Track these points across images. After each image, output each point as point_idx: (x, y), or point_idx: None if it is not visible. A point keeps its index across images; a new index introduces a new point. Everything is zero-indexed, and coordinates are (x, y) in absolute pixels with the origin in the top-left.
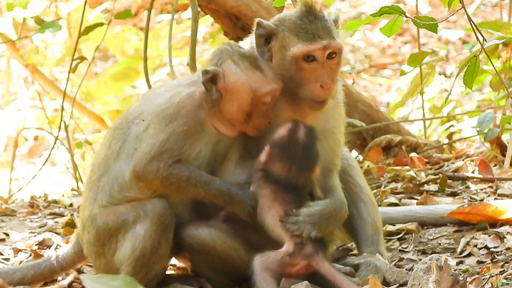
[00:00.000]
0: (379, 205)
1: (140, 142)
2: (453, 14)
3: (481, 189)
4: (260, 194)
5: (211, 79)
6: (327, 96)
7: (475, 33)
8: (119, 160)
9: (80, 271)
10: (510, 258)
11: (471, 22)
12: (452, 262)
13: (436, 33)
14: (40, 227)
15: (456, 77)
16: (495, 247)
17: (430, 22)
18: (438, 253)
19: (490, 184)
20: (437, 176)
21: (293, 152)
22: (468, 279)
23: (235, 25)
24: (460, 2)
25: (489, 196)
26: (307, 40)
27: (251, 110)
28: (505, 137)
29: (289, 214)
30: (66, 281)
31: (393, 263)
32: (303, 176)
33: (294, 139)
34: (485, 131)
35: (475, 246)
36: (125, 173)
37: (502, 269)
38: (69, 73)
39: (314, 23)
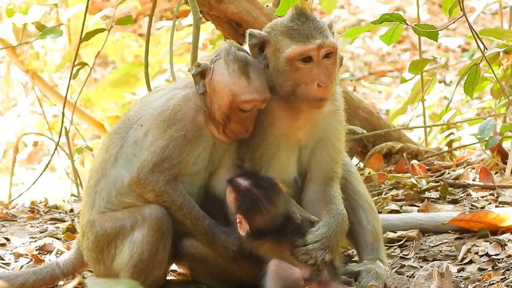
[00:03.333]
0: (380, 212)
1: (139, 148)
2: (454, 22)
3: (482, 197)
4: (261, 250)
5: (201, 74)
6: (325, 95)
7: (476, 41)
8: (117, 164)
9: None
10: (511, 266)
11: (472, 30)
12: (453, 269)
13: (437, 41)
14: (41, 232)
15: (457, 85)
16: (496, 255)
17: (431, 30)
18: (439, 260)
19: (491, 191)
20: (438, 184)
21: (253, 198)
22: (470, 286)
23: (236, 31)
24: (461, 10)
25: (490, 203)
26: (300, 41)
27: (229, 114)
28: (506, 145)
29: (297, 245)
30: (71, 285)
31: (394, 270)
32: (279, 201)
33: (243, 191)
34: (486, 138)
35: (476, 253)
36: (124, 178)
37: (503, 276)
38: (70, 79)
39: (306, 24)
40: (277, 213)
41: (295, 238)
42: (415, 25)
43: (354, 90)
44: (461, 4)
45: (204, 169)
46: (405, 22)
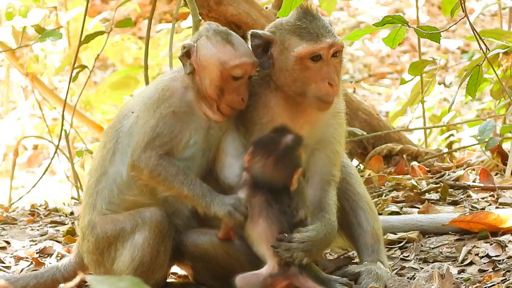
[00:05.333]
0: (380, 214)
1: (132, 136)
2: (456, 24)
3: (482, 198)
4: (250, 204)
5: (187, 54)
6: (335, 94)
7: (478, 42)
8: (115, 160)
9: None
10: (511, 267)
11: (474, 31)
12: (454, 270)
13: (439, 42)
14: (41, 235)
15: (459, 86)
16: (496, 256)
17: (433, 32)
18: (439, 261)
19: (491, 193)
20: (438, 185)
21: (272, 147)
22: None
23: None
24: (463, 11)
25: (490, 204)
26: (311, 40)
27: (222, 85)
28: (506, 146)
29: (281, 239)
30: (73, 283)
31: (395, 271)
32: (279, 175)
33: (277, 138)
34: (486, 140)
35: (477, 254)
36: (122, 173)
37: (504, 277)
38: (69, 82)
39: (314, 23)
40: (270, 177)
41: (277, 224)
42: (417, 27)
43: (354, 92)
44: (462, 5)
45: (201, 155)
46: (407, 24)
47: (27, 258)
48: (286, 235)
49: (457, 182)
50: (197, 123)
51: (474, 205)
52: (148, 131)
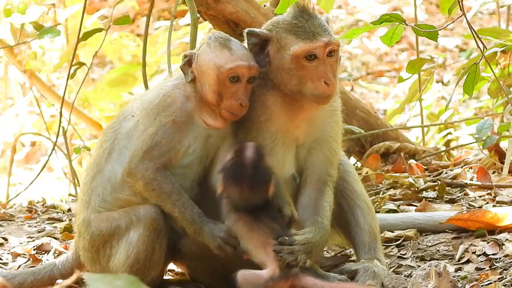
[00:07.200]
0: (378, 212)
1: (130, 140)
2: (453, 22)
3: (480, 196)
4: (236, 228)
5: (188, 62)
6: (332, 92)
7: (475, 40)
8: (111, 159)
9: None
10: (508, 265)
11: (472, 29)
12: (451, 268)
13: (436, 41)
14: (39, 232)
15: (456, 85)
16: (493, 254)
17: (431, 30)
18: (436, 259)
19: (489, 191)
20: (435, 183)
21: (241, 172)
22: (467, 286)
23: (234, 31)
24: (461, 10)
25: (487, 203)
26: (307, 39)
27: (220, 89)
28: (503, 144)
29: (282, 242)
30: (69, 281)
31: (392, 269)
32: (258, 195)
33: (241, 159)
34: (484, 138)
35: (474, 253)
36: (117, 173)
37: (501, 276)
38: (67, 79)
39: (310, 21)
40: (251, 200)
41: (270, 227)
42: (414, 25)
43: (352, 90)
44: (460, 4)
45: (198, 162)
46: (405, 23)
47: (25, 254)
48: (286, 238)
49: (454, 181)
50: (196, 132)
51: (471, 203)
52: (147, 139)
